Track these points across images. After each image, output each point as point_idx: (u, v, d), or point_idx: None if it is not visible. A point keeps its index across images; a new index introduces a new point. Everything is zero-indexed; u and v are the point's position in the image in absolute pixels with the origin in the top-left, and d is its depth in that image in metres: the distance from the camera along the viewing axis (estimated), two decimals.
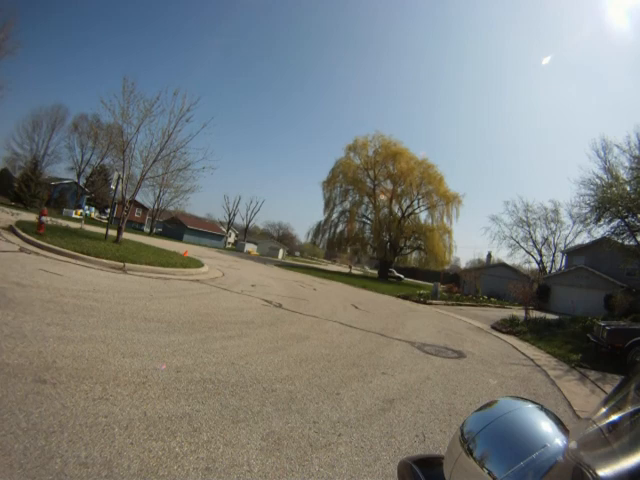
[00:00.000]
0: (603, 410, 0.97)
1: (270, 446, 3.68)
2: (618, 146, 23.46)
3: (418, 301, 26.08)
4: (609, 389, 8.64)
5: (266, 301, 13.21)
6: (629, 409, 0.87)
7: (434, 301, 27.18)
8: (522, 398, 1.03)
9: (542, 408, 0.99)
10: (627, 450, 0.70)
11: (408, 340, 10.72)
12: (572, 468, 0.77)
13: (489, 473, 0.85)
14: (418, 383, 6.84)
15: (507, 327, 17.48)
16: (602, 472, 0.68)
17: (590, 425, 0.90)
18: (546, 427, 0.92)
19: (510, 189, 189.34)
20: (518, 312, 21.56)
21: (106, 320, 6.90)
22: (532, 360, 11.15)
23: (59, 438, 3.14)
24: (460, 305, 28.74)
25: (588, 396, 8.13)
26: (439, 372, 7.87)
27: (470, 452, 0.92)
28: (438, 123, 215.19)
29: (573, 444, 0.85)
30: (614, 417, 0.89)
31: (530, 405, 0.99)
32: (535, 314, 20.44)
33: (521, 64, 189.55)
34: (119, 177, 20.46)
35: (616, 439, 0.80)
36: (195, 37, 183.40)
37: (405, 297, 27.46)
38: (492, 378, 8.16)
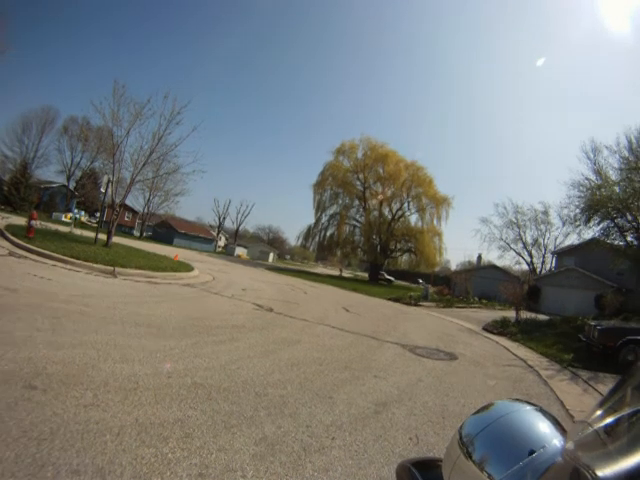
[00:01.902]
0: (600, 411, 0.97)
1: (263, 451, 3.67)
2: (608, 147, 23.82)
3: (409, 303, 26.22)
4: (601, 388, 8.76)
5: (257, 305, 13.21)
6: (626, 410, 0.87)
7: (425, 303, 27.35)
8: (519, 400, 1.04)
9: (540, 410, 0.99)
10: (625, 451, 0.70)
11: (400, 343, 10.74)
12: (570, 469, 0.78)
13: (488, 476, 0.85)
14: (410, 386, 6.83)
15: (498, 328, 17.57)
16: (601, 472, 0.67)
17: (588, 426, 0.90)
18: (544, 428, 0.92)
19: (500, 191, 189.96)
20: (509, 313, 21.77)
21: (96, 325, 6.86)
22: (524, 361, 11.20)
23: (50, 446, 3.11)
24: (451, 307, 28.81)
25: (581, 395, 8.17)
26: (431, 374, 7.88)
27: (469, 455, 0.92)
28: (428, 125, 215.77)
29: (571, 445, 0.85)
30: (611, 418, 0.88)
31: (528, 407, 0.99)
32: (526, 315, 20.57)
33: (515, 65, 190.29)
34: (109, 180, 20.34)
35: (614, 440, 0.80)
36: (184, 41, 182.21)
37: (396, 299, 27.63)
38: (484, 379, 8.19)
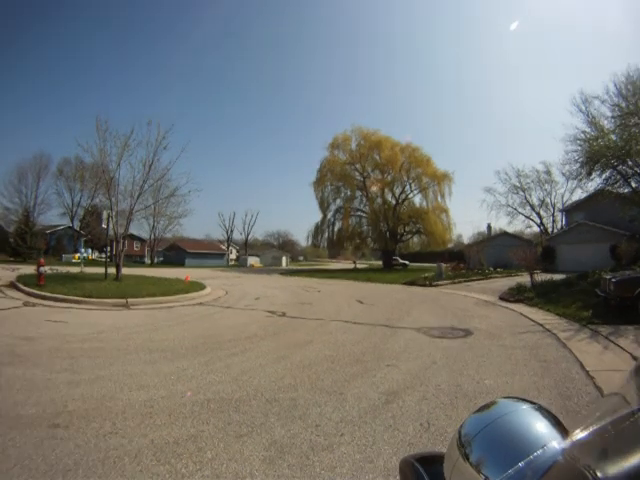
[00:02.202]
0: (603, 409, 0.98)
1: (272, 455, 3.79)
2: (598, 97, 23.74)
3: (424, 285, 26.15)
4: (622, 342, 8.65)
5: (270, 312, 13.34)
6: (629, 408, 0.87)
7: (440, 282, 27.23)
8: (521, 398, 1.03)
9: (541, 408, 0.98)
10: (627, 450, 0.71)
11: (413, 327, 10.70)
12: (571, 468, 0.78)
13: (485, 478, 0.85)
14: (424, 369, 6.79)
15: (515, 296, 17.44)
16: (602, 472, 0.68)
17: (590, 425, 0.88)
18: (545, 428, 0.91)
19: (500, 158, 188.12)
20: (525, 278, 21.51)
21: (112, 358, 7.09)
22: (541, 325, 11.08)
23: (75, 475, 3.36)
24: (467, 281, 28.76)
25: (601, 354, 7.99)
26: (445, 355, 7.79)
27: (466, 457, 0.92)
28: (420, 105, 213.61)
29: (572, 444, 0.84)
30: (614, 417, 0.88)
31: (529, 406, 0.98)
32: (542, 277, 20.38)
33: (489, 33, 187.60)
34: (109, 216, 20.58)
35: (616, 439, 0.81)
36: (165, 53, 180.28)
37: (411, 283, 27.56)
38: (500, 352, 8.07)
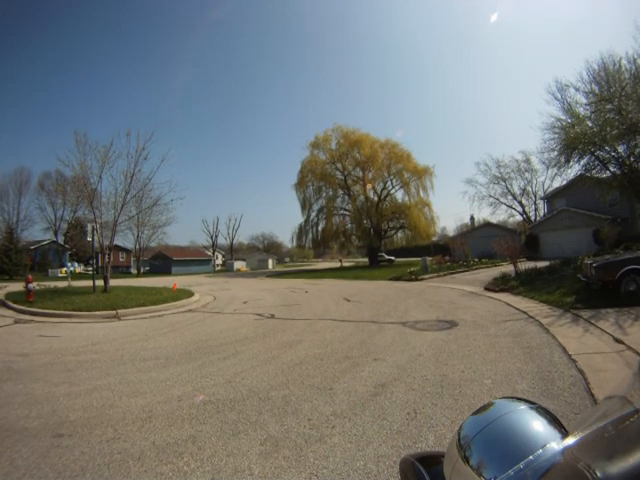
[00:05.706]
0: (603, 409, 1.02)
1: (268, 449, 4.00)
2: (572, 85, 23.90)
3: (410, 279, 26.26)
4: (602, 324, 8.80)
5: (258, 315, 13.48)
6: (629, 409, 0.90)
7: (426, 276, 27.36)
8: (519, 398, 1.04)
9: (539, 408, 0.99)
10: (627, 450, 0.74)
11: (400, 321, 10.84)
12: (571, 468, 0.80)
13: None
14: (410, 362, 6.92)
15: (499, 285, 17.51)
16: (602, 472, 0.70)
17: (589, 425, 0.90)
18: (544, 428, 0.91)
19: (480, 149, 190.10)
20: (510, 268, 21.45)
21: (107, 368, 7.27)
22: (525, 313, 11.16)
23: (83, 479, 3.56)
24: (452, 274, 28.85)
25: (582, 336, 8.12)
26: (431, 347, 7.91)
27: (466, 459, 0.92)
28: (399, 101, 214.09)
29: (572, 444, 0.85)
30: (614, 417, 0.90)
31: (527, 406, 0.99)
32: (526, 265, 20.48)
33: (470, 27, 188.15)
34: (93, 228, 20.49)
35: (616, 439, 0.84)
36: (142, 59, 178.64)
37: (397, 278, 27.75)
38: (484, 341, 8.21)
